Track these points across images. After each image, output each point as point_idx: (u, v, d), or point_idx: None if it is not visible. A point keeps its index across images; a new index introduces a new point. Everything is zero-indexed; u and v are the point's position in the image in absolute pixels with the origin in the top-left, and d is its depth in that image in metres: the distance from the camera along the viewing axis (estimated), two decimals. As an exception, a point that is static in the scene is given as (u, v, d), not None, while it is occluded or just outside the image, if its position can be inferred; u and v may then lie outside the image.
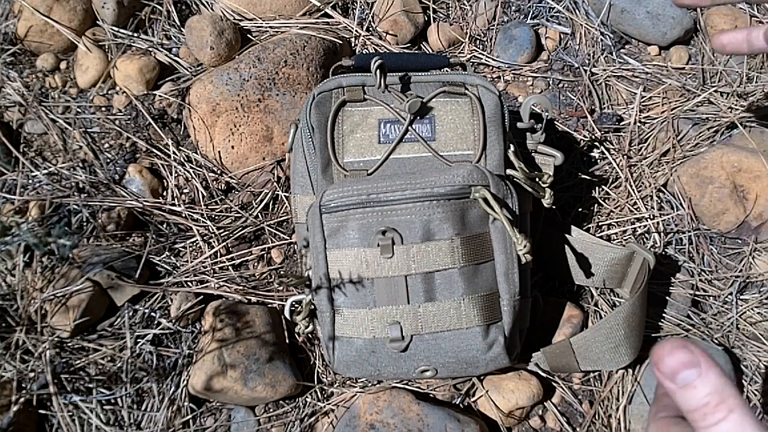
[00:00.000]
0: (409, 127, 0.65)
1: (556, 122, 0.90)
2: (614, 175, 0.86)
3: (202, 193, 0.81)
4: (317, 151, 0.65)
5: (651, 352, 0.34)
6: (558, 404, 0.72)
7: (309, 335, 0.74)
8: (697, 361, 0.32)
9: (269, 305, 0.76)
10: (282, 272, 0.79)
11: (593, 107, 0.91)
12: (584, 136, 0.88)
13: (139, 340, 0.72)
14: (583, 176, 0.85)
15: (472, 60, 0.96)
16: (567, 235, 0.75)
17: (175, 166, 0.83)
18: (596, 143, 0.88)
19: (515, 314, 0.62)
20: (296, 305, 0.67)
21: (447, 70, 0.76)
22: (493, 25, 0.97)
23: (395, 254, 0.60)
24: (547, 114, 0.70)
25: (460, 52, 0.96)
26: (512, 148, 0.66)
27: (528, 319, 0.67)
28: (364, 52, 0.93)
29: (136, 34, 0.90)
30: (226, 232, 0.80)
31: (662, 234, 0.82)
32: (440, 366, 0.62)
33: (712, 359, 0.33)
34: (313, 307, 0.65)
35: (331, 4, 0.93)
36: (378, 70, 0.64)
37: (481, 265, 0.62)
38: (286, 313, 0.67)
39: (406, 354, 0.61)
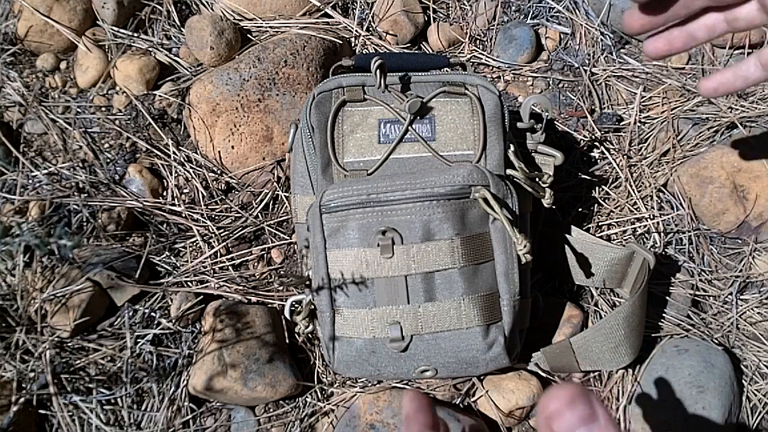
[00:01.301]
0: (409, 127, 0.65)
1: (556, 122, 0.90)
2: (614, 175, 0.86)
3: (202, 193, 0.81)
4: (317, 151, 0.65)
5: (540, 402, 0.28)
6: (558, 404, 0.72)
7: (309, 335, 0.75)
8: (597, 414, 0.27)
9: (269, 305, 0.76)
10: (282, 272, 0.79)
11: (593, 107, 0.91)
12: (584, 136, 0.88)
13: (139, 340, 0.72)
14: (583, 176, 0.85)
15: (472, 60, 0.96)
16: (567, 235, 0.75)
17: (175, 166, 0.83)
18: (596, 143, 0.88)
19: (515, 314, 0.62)
20: (296, 305, 0.68)
21: (447, 70, 0.76)
22: (493, 25, 0.97)
23: (395, 254, 0.60)
24: (547, 114, 0.70)
25: (460, 52, 0.96)
26: (512, 148, 0.66)
27: (528, 319, 0.67)
28: (364, 52, 0.93)
29: (136, 34, 0.90)
30: (226, 232, 0.80)
31: (662, 234, 0.82)
32: (440, 366, 0.62)
33: (608, 411, 0.28)
34: (313, 307, 0.65)
35: (331, 4, 0.93)
36: (378, 70, 0.64)
37: (481, 265, 0.62)
38: (286, 313, 0.67)
39: (406, 354, 0.61)
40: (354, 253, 0.61)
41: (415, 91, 0.67)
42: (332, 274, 0.62)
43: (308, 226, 0.64)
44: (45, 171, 0.81)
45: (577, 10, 0.98)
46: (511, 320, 0.62)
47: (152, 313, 0.74)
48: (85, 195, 0.80)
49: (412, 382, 0.71)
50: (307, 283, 0.65)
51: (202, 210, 0.81)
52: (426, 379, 0.71)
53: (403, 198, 0.60)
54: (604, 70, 0.94)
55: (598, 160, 0.87)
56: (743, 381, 0.73)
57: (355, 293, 0.61)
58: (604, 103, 0.92)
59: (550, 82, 0.94)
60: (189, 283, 0.76)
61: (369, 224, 0.61)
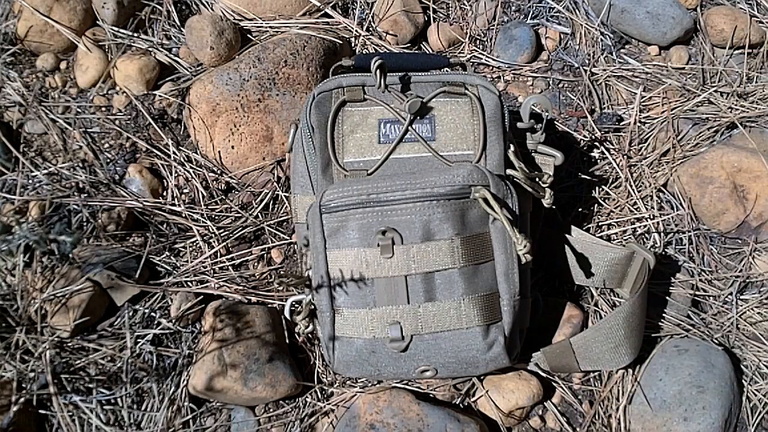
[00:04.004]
0: (409, 127, 0.65)
1: (556, 122, 0.90)
2: (614, 175, 0.86)
3: (202, 193, 0.81)
4: (317, 151, 0.65)
5: None
6: (558, 404, 0.72)
7: (309, 335, 0.74)
8: None
9: (269, 305, 0.76)
10: (282, 272, 0.79)
11: (593, 107, 0.91)
12: (584, 136, 0.88)
13: (139, 340, 0.72)
14: (583, 176, 0.85)
15: (472, 60, 0.96)
16: (567, 235, 0.75)
17: (175, 166, 0.83)
18: (596, 143, 0.88)
19: (515, 314, 0.62)
20: (296, 305, 0.67)
21: (447, 70, 0.76)
22: (493, 25, 0.97)
23: (395, 254, 0.60)
24: (547, 114, 0.70)
25: (460, 52, 0.96)
26: (512, 148, 0.66)
27: (528, 319, 0.67)
28: (364, 52, 0.93)
29: (136, 34, 0.90)
30: (226, 232, 0.80)
31: (662, 234, 0.82)
32: (440, 366, 0.62)
33: None
34: (313, 307, 0.65)
35: (331, 4, 0.93)
36: (378, 70, 0.65)
37: (481, 265, 0.62)
38: (286, 313, 0.67)
39: (406, 354, 0.61)
40: (354, 253, 0.61)
41: (415, 91, 0.67)
42: (332, 274, 0.62)
43: (308, 226, 0.64)
44: (45, 171, 0.81)
45: (577, 10, 0.98)
46: (511, 320, 0.62)
47: (152, 313, 0.74)
48: (85, 195, 0.80)
49: (413, 382, 0.71)
50: (307, 283, 0.65)
51: (202, 210, 0.81)
52: (426, 379, 0.71)
53: (403, 198, 0.60)
54: (604, 70, 0.94)
55: (598, 160, 0.87)
56: (743, 381, 0.73)
57: (355, 293, 0.61)
58: (604, 103, 0.92)
59: (550, 82, 0.94)
60: (189, 283, 0.76)
61: (369, 224, 0.61)
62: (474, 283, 0.61)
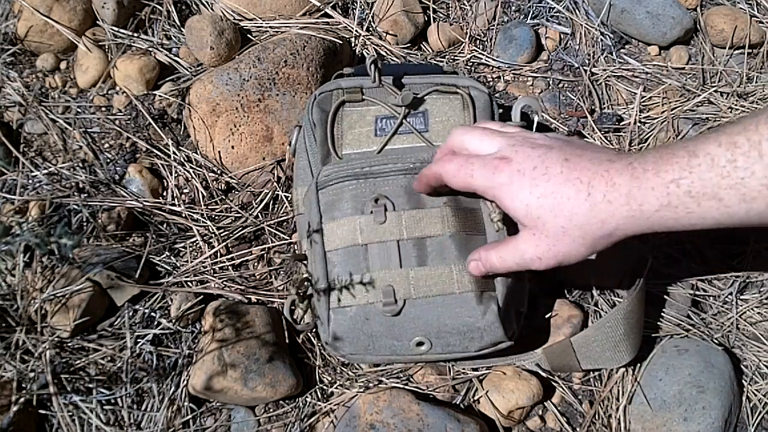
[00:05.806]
0: (404, 121, 0.69)
1: (549, 125, 0.90)
2: (614, 175, 0.86)
3: (202, 193, 0.81)
4: (318, 145, 0.70)
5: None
6: (558, 404, 0.72)
7: (309, 334, 0.75)
8: None
9: (269, 305, 0.76)
10: (284, 257, 0.79)
11: (593, 107, 0.91)
12: (584, 136, 0.88)
13: (139, 340, 0.72)
14: (583, 176, 0.85)
15: (472, 60, 0.96)
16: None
17: (175, 166, 0.83)
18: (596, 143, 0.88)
19: (508, 287, 0.63)
20: (300, 294, 0.67)
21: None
22: (493, 25, 0.97)
23: (387, 220, 0.63)
24: (535, 116, 0.71)
25: (460, 52, 0.96)
26: None
27: (525, 303, 0.68)
28: (364, 52, 0.93)
29: (136, 34, 0.90)
30: (226, 232, 0.80)
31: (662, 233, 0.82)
32: (434, 336, 0.62)
33: None
34: (311, 294, 0.66)
35: (331, 4, 0.93)
36: (372, 65, 0.69)
37: (474, 236, 0.64)
38: (286, 313, 0.68)
39: (399, 319, 0.62)
40: (348, 221, 0.63)
41: (408, 89, 0.71)
42: (327, 247, 0.64)
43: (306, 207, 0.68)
44: (45, 171, 0.81)
45: (577, 10, 0.98)
46: (504, 291, 0.63)
47: (152, 313, 0.74)
48: (85, 195, 0.80)
49: (412, 381, 0.71)
50: (305, 262, 0.67)
51: (202, 210, 0.81)
52: (423, 359, 0.67)
53: (395, 169, 0.64)
54: (604, 70, 0.94)
55: (598, 160, 0.87)
56: (743, 381, 0.73)
57: (350, 261, 0.63)
58: (604, 103, 0.92)
59: (550, 82, 0.94)
60: (189, 283, 0.76)
61: (362, 193, 0.64)
62: (466, 251, 0.63)
